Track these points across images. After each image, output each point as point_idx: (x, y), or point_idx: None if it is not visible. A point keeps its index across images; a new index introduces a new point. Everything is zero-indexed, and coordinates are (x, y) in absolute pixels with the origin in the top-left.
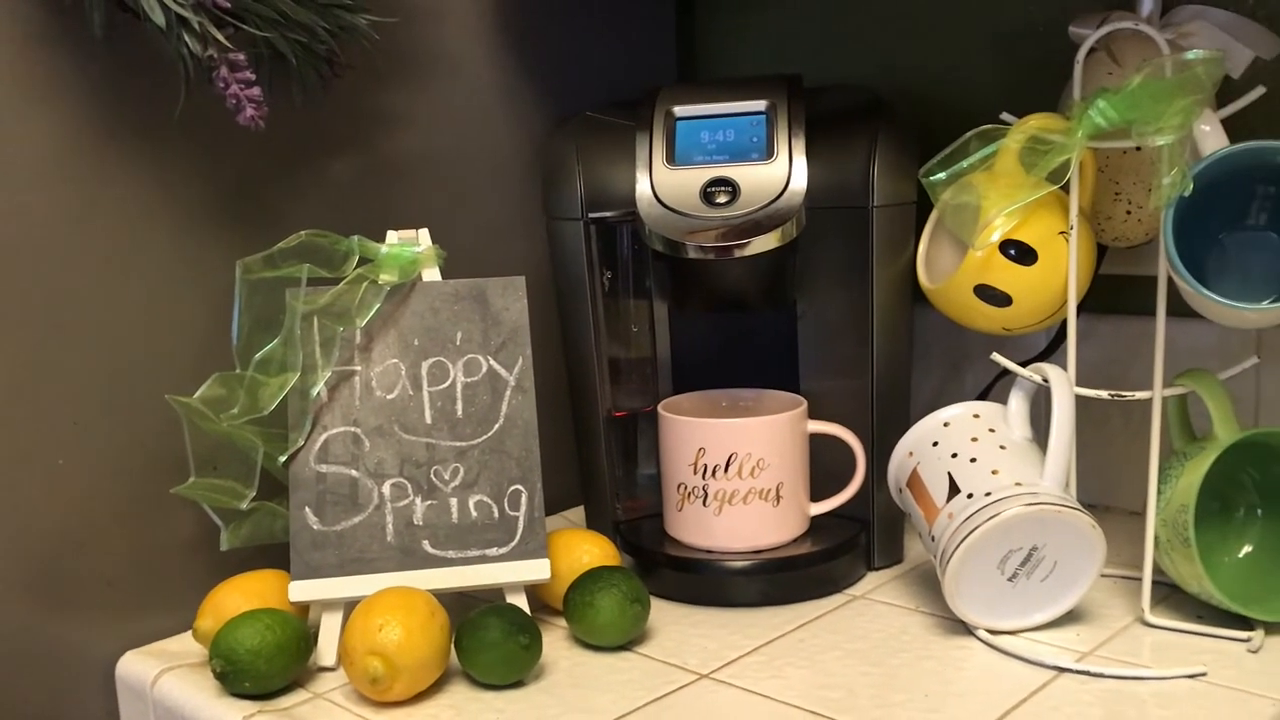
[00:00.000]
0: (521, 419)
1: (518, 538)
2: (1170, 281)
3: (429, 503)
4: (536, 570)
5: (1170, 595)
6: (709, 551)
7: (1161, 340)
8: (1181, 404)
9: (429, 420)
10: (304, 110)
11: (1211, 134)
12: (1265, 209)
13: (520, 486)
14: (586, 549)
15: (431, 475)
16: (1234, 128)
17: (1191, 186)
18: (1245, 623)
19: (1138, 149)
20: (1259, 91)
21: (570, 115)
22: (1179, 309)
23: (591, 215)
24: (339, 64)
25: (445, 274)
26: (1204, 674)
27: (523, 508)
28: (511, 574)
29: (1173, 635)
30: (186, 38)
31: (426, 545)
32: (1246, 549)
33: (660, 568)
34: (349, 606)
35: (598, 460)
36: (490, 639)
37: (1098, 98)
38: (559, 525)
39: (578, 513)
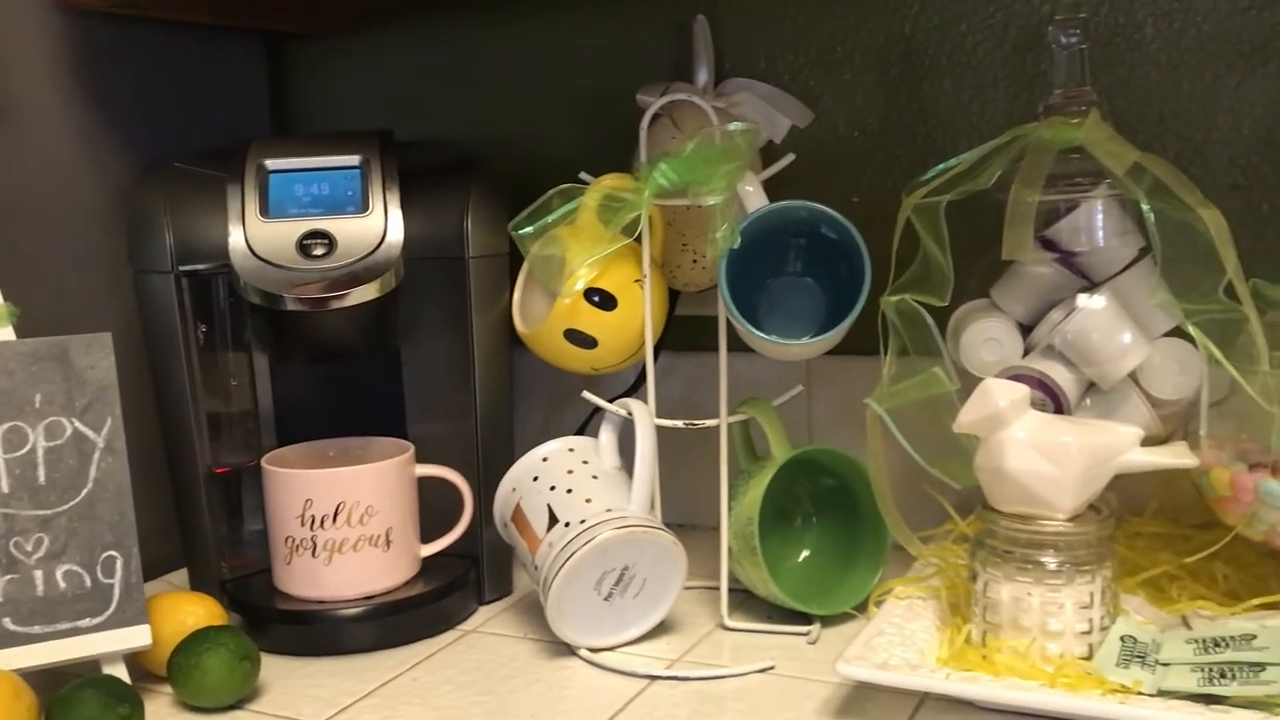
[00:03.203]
0: (113, 482)
1: (114, 606)
2: (730, 321)
3: (9, 577)
4: (136, 637)
5: (745, 600)
6: (320, 602)
7: (724, 373)
8: (744, 429)
9: (6, 489)
10: None
11: (754, 194)
12: (800, 258)
13: (114, 552)
14: (190, 610)
15: (11, 547)
16: (777, 187)
17: (739, 239)
18: (805, 618)
19: (700, 206)
20: (790, 158)
21: (157, 166)
22: (743, 345)
23: (182, 268)
24: None
25: (22, 333)
26: (773, 667)
27: (118, 574)
28: (108, 644)
29: (748, 636)
30: None
31: (8, 623)
32: (805, 553)
33: (271, 623)
34: None
35: (199, 519)
36: (84, 713)
37: (660, 161)
38: (163, 589)
39: (182, 574)
